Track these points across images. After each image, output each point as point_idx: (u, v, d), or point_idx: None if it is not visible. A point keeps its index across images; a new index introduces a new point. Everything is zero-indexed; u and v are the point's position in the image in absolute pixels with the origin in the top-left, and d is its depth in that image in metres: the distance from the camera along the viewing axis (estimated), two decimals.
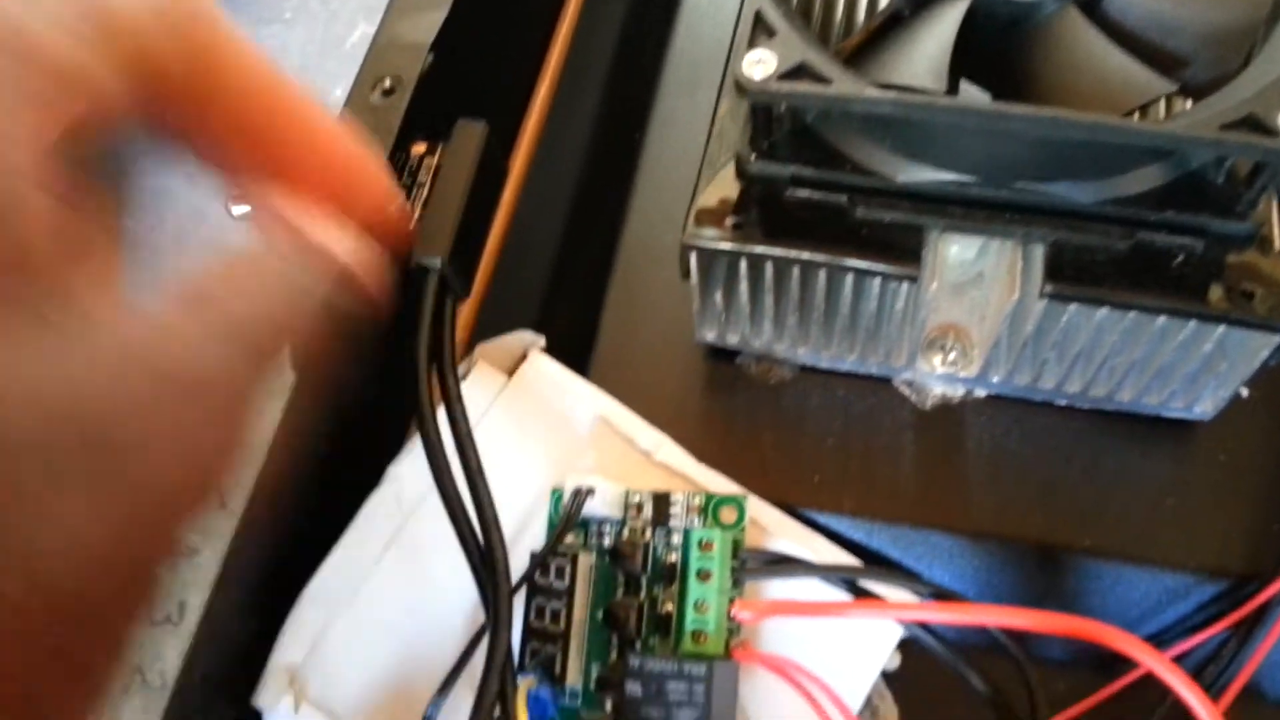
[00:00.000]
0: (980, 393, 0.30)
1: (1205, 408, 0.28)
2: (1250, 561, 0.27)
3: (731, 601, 0.26)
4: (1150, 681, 0.27)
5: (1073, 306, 0.25)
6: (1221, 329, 0.25)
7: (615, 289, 0.33)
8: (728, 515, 0.27)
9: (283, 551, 0.26)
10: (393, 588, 0.28)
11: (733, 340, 0.31)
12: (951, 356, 0.29)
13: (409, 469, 0.29)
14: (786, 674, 0.25)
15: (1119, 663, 0.28)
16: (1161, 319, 0.25)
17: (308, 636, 0.27)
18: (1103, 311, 0.25)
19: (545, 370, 0.30)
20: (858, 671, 0.26)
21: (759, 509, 0.28)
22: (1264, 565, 0.27)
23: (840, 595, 0.27)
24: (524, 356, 0.30)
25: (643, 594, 0.27)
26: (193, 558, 0.22)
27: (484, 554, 0.25)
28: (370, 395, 0.30)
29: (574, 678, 0.27)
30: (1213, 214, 0.25)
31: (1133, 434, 0.29)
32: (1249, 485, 0.28)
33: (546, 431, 0.30)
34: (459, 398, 0.26)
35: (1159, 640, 0.28)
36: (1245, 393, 0.29)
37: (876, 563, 0.29)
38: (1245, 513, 0.28)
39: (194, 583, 0.22)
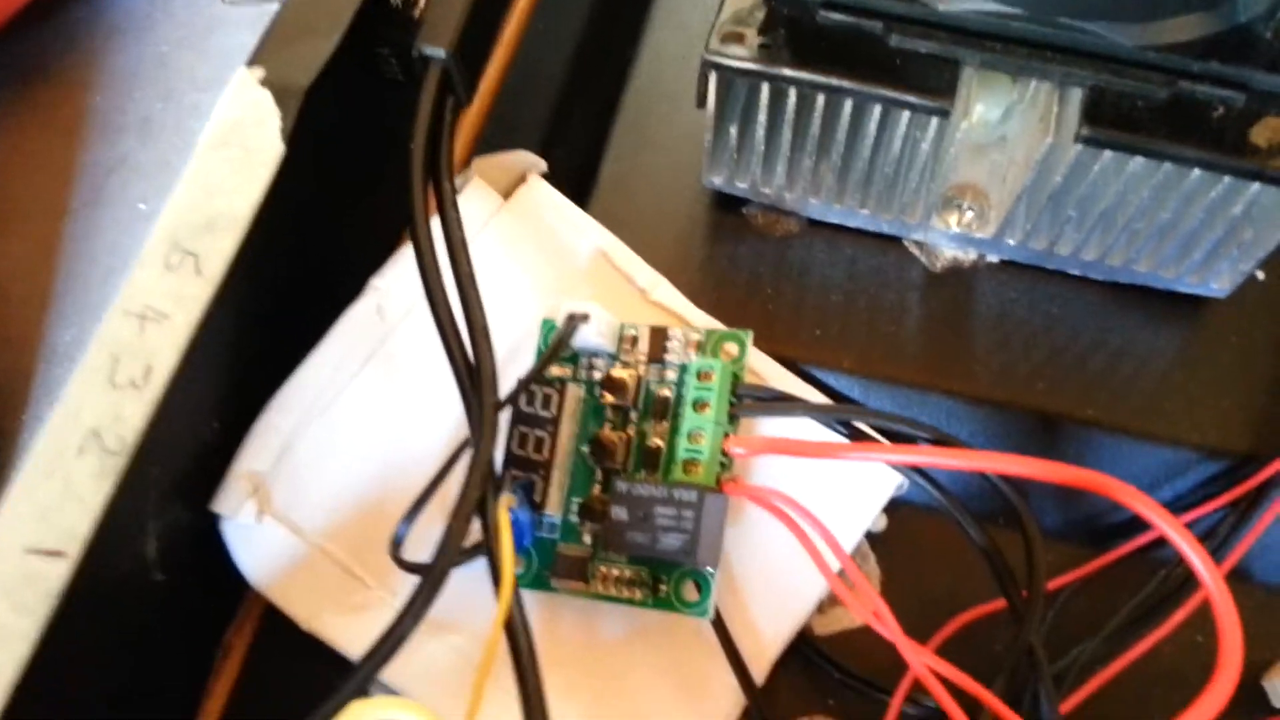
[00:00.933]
0: (992, 258, 0.29)
1: (1222, 284, 0.27)
2: (1252, 442, 0.27)
3: (726, 435, 0.25)
4: (1144, 556, 0.27)
5: (1106, 155, 0.24)
6: (1255, 188, 0.24)
7: (623, 124, 0.32)
8: (729, 350, 0.26)
9: (255, 339, 0.24)
10: (369, 403, 0.27)
11: (742, 185, 0.29)
12: (968, 216, 0.28)
13: (394, 281, 0.27)
14: (778, 509, 0.24)
15: (1112, 536, 0.28)
16: (1195, 173, 0.24)
17: (275, 445, 0.26)
18: (1136, 161, 0.24)
19: (544, 196, 0.28)
20: (851, 518, 0.26)
21: (756, 359, 0.27)
22: (1265, 446, 0.27)
23: (837, 439, 0.26)
24: (522, 179, 0.29)
25: (631, 428, 0.26)
26: (162, 321, 0.20)
27: (470, 364, 0.24)
28: (359, 194, 0.28)
29: (554, 508, 0.26)
30: (1258, 68, 0.24)
31: (1145, 308, 0.28)
32: (1258, 367, 0.28)
33: (541, 260, 0.28)
34: (454, 203, 0.25)
35: None
36: (1261, 275, 0.29)
37: None
38: (1251, 394, 0.27)
39: (161, 347, 0.20)
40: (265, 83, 0.23)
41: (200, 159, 0.22)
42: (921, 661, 0.22)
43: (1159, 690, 0.25)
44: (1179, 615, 0.25)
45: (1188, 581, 0.26)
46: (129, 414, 0.19)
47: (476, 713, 0.21)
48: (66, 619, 0.19)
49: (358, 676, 0.21)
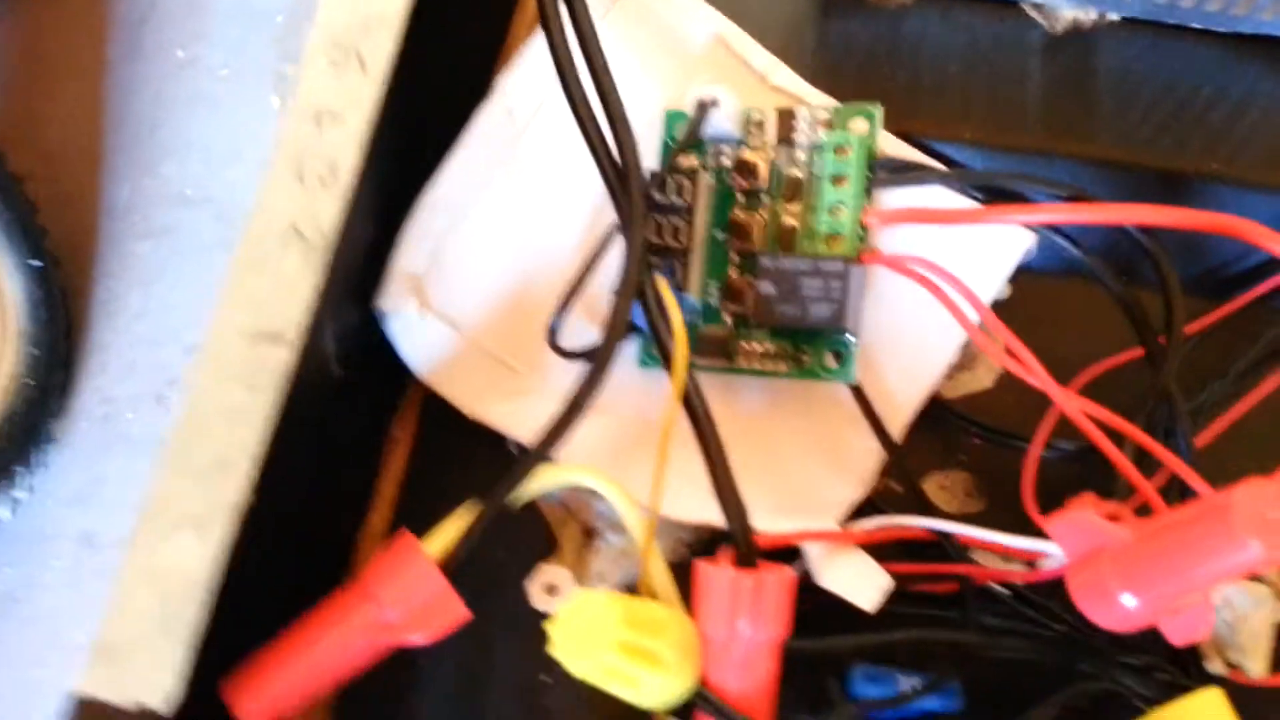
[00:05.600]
0: (1113, 16, 0.29)
1: None
2: None
3: (863, 208, 0.26)
4: (1263, 306, 0.28)
5: None
6: None
7: None
8: (858, 126, 0.26)
9: (409, 140, 0.25)
10: (507, 203, 0.28)
11: None
12: None
13: (520, 82, 0.27)
14: (916, 273, 0.25)
15: (1231, 288, 0.28)
16: None
17: (429, 245, 0.27)
18: None
19: None
20: (986, 276, 0.26)
21: (878, 135, 0.28)
22: None
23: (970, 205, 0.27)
24: None
25: (764, 210, 0.27)
26: (338, 121, 0.21)
27: (612, 154, 0.24)
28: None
29: (694, 291, 0.27)
30: None
31: (1267, 58, 0.28)
32: None
33: (659, 50, 0.28)
34: None
35: None
36: None
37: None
38: None
39: (344, 144, 0.21)
40: None
41: None
42: (1071, 402, 0.23)
43: None
44: None
45: None
46: (323, 210, 0.21)
47: (661, 482, 0.23)
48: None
49: (548, 438, 0.23)
